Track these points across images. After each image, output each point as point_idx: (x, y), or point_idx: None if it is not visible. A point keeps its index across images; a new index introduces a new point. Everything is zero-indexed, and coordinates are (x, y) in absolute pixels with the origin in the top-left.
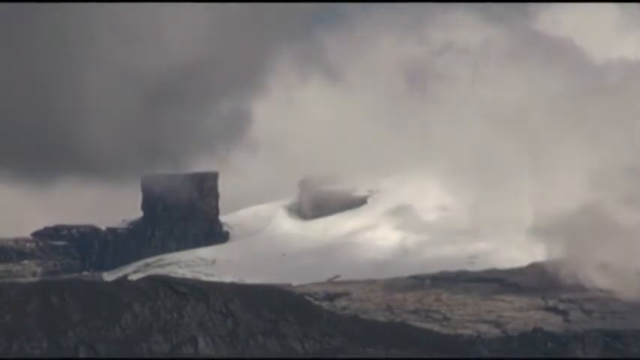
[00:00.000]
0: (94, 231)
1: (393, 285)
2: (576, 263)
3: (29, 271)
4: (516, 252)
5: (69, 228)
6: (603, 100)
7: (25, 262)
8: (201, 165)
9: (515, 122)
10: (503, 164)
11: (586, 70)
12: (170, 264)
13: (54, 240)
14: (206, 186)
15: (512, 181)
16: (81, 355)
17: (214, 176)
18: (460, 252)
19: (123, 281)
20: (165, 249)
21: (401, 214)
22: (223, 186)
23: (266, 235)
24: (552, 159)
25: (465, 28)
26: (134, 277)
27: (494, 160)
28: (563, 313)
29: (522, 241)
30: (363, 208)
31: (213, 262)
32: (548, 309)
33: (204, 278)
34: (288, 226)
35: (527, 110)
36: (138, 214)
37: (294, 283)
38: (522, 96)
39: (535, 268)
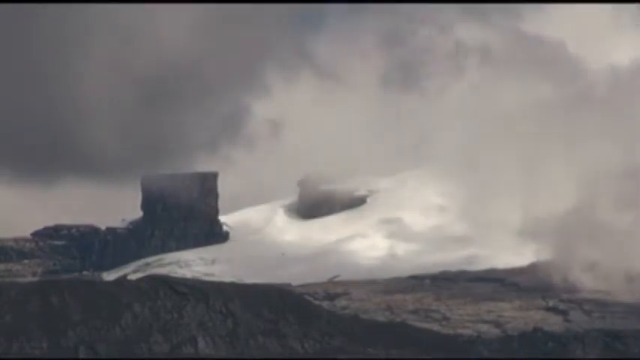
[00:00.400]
0: (93, 231)
1: (393, 285)
2: (566, 265)
3: (29, 271)
4: (509, 256)
5: (69, 228)
6: (593, 105)
7: (25, 261)
8: (201, 165)
9: (507, 125)
10: (494, 167)
11: (577, 74)
12: (170, 264)
13: (54, 240)
14: (206, 186)
15: (503, 185)
16: (81, 355)
17: (214, 176)
18: (456, 256)
19: (123, 281)
20: (165, 249)
21: (396, 219)
22: (223, 186)
23: (266, 235)
24: (543, 162)
25: (458, 30)
26: (134, 277)
27: (485, 163)
28: (563, 313)
29: (515, 245)
30: (363, 207)
31: (213, 262)
32: (548, 309)
33: (204, 278)
34: (287, 225)
35: (519, 114)
36: (138, 213)
37: (294, 283)
38: (514, 99)
39: (535, 268)
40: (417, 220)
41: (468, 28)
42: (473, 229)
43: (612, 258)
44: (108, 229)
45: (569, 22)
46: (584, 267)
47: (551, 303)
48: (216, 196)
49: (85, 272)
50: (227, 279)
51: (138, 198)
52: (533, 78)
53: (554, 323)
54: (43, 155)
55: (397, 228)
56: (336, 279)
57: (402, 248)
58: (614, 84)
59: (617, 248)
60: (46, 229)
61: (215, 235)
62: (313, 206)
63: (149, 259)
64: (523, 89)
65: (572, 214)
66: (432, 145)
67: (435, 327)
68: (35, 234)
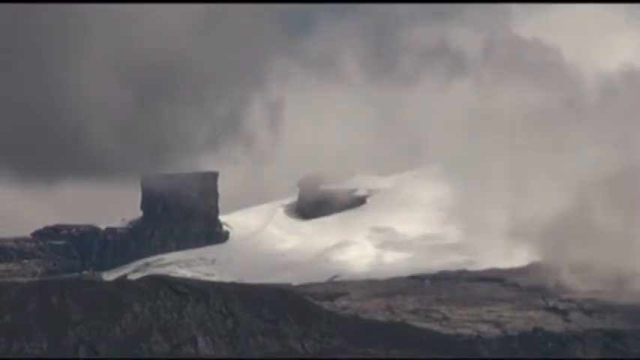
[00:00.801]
0: (93, 231)
1: (393, 285)
2: (557, 268)
3: (29, 271)
4: (502, 261)
5: (69, 228)
6: (585, 111)
7: (25, 261)
8: (201, 165)
9: (500, 129)
10: (486, 171)
11: (571, 81)
12: (170, 264)
13: (54, 240)
14: (206, 186)
15: (495, 189)
16: (81, 355)
17: (214, 176)
18: (449, 262)
19: (123, 281)
20: (165, 249)
21: (389, 228)
22: (223, 186)
23: (266, 235)
24: (536, 166)
25: (452, 34)
26: (134, 277)
27: (478, 166)
28: (563, 313)
29: (508, 248)
30: (363, 207)
31: (213, 261)
32: (548, 309)
33: (204, 278)
34: (287, 225)
35: (513, 118)
36: (138, 213)
37: (294, 283)
38: (507, 104)
39: (536, 267)
40: (412, 225)
41: (461, 30)
42: (467, 234)
43: (603, 260)
44: (108, 229)
45: (565, 25)
46: (574, 269)
47: (551, 303)
48: (216, 196)
49: (85, 272)
50: (227, 279)
51: (138, 198)
52: (527, 83)
53: (554, 323)
54: (43, 155)
55: (388, 237)
56: (336, 279)
57: (395, 256)
58: (606, 90)
59: (608, 251)
60: (46, 229)
61: (215, 235)
62: (313, 206)
63: (149, 259)
64: (516, 94)
65: (563, 217)
66: (427, 147)
67: (435, 327)
68: (35, 234)
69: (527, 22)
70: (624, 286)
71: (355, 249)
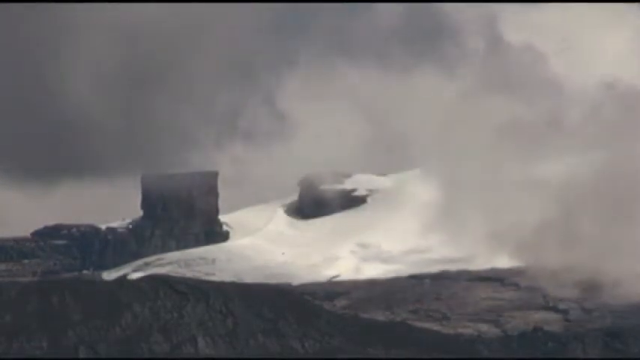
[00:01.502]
0: (94, 230)
1: (393, 284)
2: (540, 272)
3: (29, 271)
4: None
5: (69, 227)
6: (566, 122)
7: (26, 261)
8: (201, 164)
9: (483, 136)
10: (466, 178)
11: (555, 91)
12: (170, 263)
13: (54, 239)
14: (206, 185)
15: (475, 196)
16: (81, 355)
17: (214, 175)
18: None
19: (123, 281)
20: (165, 248)
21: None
22: (223, 185)
23: (266, 235)
24: (516, 173)
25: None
26: (134, 277)
27: (459, 173)
28: (563, 312)
29: (489, 255)
30: (364, 207)
31: (214, 261)
32: (548, 308)
33: (204, 278)
34: (287, 225)
35: (496, 128)
36: (138, 213)
37: (294, 283)
38: (492, 111)
39: (536, 267)
40: (403, 234)
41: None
42: (450, 246)
43: (583, 265)
44: (108, 228)
45: (553, 29)
46: (554, 274)
47: (551, 303)
48: (216, 195)
49: (85, 272)
50: (227, 279)
51: (138, 198)
52: (512, 91)
53: (554, 323)
54: (43, 155)
55: (373, 253)
56: (336, 279)
57: (384, 268)
58: (588, 99)
59: (588, 255)
60: (46, 228)
61: (215, 234)
62: (313, 206)
63: (149, 259)
64: (501, 101)
65: (544, 223)
66: (412, 151)
67: (435, 327)
68: (35, 234)
69: (516, 26)
70: (604, 290)
71: (342, 263)
